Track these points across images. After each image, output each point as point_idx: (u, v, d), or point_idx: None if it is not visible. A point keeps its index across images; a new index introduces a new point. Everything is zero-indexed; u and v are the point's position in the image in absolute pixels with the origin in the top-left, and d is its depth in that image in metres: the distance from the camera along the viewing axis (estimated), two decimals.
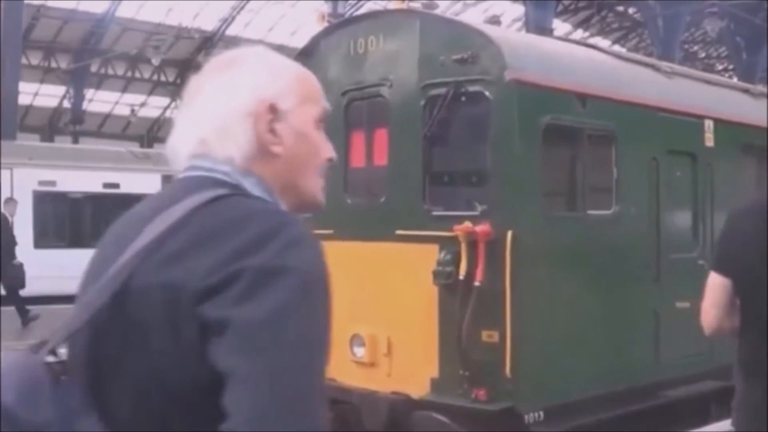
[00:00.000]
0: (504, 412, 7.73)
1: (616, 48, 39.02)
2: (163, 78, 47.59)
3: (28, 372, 1.71)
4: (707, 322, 4.15)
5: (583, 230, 8.75)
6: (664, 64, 11.28)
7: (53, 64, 43.16)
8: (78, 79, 43.44)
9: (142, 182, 24.45)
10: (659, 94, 9.89)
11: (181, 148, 1.97)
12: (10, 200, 18.87)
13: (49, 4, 39.24)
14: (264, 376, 1.59)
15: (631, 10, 47.60)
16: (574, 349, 8.47)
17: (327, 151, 2.03)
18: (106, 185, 23.98)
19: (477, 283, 7.74)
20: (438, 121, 8.40)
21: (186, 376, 1.70)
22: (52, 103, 46.04)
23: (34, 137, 40.87)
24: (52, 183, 22.90)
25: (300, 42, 15.94)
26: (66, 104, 45.00)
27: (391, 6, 10.79)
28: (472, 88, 8.21)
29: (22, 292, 18.06)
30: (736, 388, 4.21)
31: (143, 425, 1.77)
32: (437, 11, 11.07)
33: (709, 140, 10.40)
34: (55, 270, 19.47)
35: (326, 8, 25.50)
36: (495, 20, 17.16)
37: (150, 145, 45.78)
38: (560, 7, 41.99)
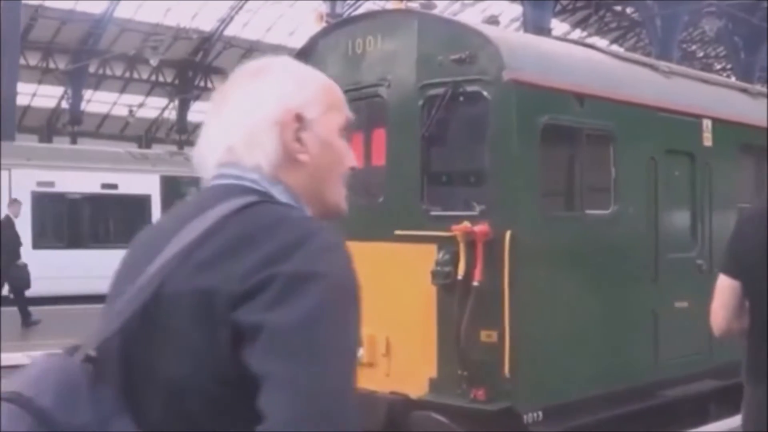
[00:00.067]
0: (503, 412, 7.72)
1: (614, 48, 39.02)
2: (161, 78, 47.59)
3: (65, 375, 1.75)
4: (716, 323, 4.21)
5: (581, 230, 8.75)
6: (663, 64, 11.29)
7: (51, 65, 43.15)
8: (76, 80, 43.41)
9: (141, 183, 24.51)
10: (657, 93, 9.89)
11: (209, 157, 2.00)
12: (14, 201, 18.88)
13: (47, 4, 39.22)
14: (298, 379, 1.62)
15: (629, 10, 47.65)
16: (573, 349, 8.47)
17: (350, 159, 2.06)
18: (105, 186, 23.98)
19: (475, 283, 7.74)
20: (436, 121, 8.40)
21: (219, 378, 1.73)
22: (51, 103, 46.04)
23: (32, 138, 40.87)
24: (51, 184, 22.90)
25: (298, 42, 15.97)
26: (64, 105, 44.97)
27: (389, 6, 10.79)
28: (470, 88, 8.21)
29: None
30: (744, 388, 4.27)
31: (175, 426, 1.80)
32: (435, 11, 11.08)
33: (708, 140, 10.40)
34: (53, 270, 19.51)
35: (324, 8, 25.49)
36: (493, 20, 17.19)
37: (148, 146, 45.81)
38: (558, 7, 42.00)
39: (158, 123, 50.18)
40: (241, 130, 1.95)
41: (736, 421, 8.91)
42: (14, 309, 17.69)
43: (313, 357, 1.64)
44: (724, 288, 4.19)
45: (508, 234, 7.72)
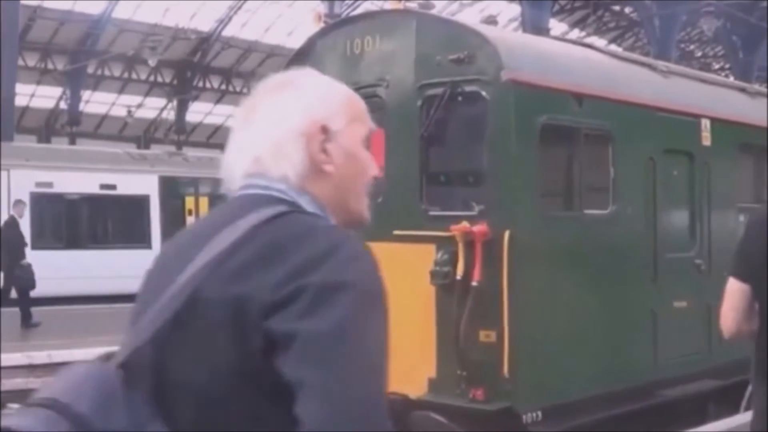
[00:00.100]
0: (502, 412, 7.73)
1: (613, 47, 39.03)
2: (159, 79, 47.53)
3: (101, 381, 1.80)
4: (726, 326, 4.27)
5: (580, 230, 8.75)
6: (661, 64, 11.29)
7: (50, 66, 43.11)
8: (75, 81, 43.35)
9: (139, 183, 24.50)
10: (656, 93, 9.89)
11: (237, 167, 2.04)
12: (19, 202, 18.89)
13: (46, 5, 39.20)
14: (332, 386, 1.68)
15: (627, 10, 47.65)
16: (572, 349, 8.47)
17: (373, 169, 2.11)
18: (103, 186, 23.97)
19: (474, 283, 7.74)
20: (435, 121, 8.40)
21: (250, 385, 1.77)
22: (49, 104, 46.00)
23: (31, 138, 40.83)
24: (49, 184, 22.89)
25: (296, 42, 15.95)
26: (63, 105, 44.89)
27: (388, 6, 10.79)
28: (468, 88, 8.21)
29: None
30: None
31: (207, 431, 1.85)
32: (433, 11, 11.08)
33: (706, 139, 10.41)
34: (52, 271, 19.50)
35: (323, 8, 25.48)
36: (491, 20, 17.19)
37: (147, 146, 45.79)
38: (556, 7, 41.99)
39: (157, 123, 50.13)
40: (268, 141, 2.00)
41: (735, 420, 8.93)
42: (14, 309, 17.67)
43: (345, 364, 1.70)
44: (734, 291, 4.23)
45: (506, 234, 7.72)
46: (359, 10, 32.66)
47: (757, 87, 13.72)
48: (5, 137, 23.39)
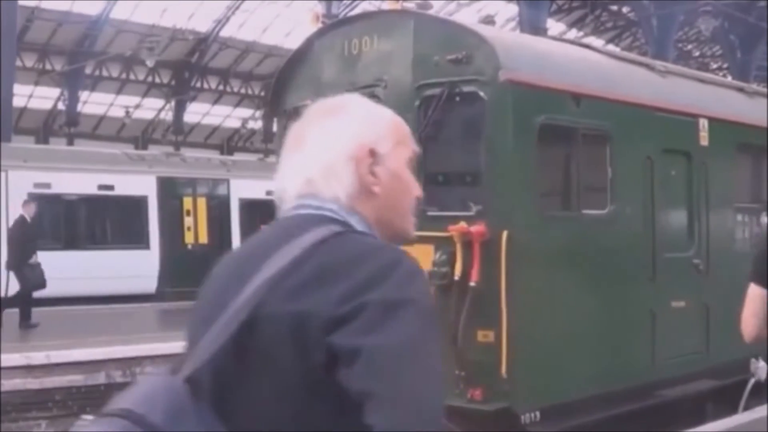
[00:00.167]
0: (500, 413, 7.73)
1: (610, 47, 39.03)
2: (157, 80, 47.45)
3: (171, 393, 1.90)
4: (747, 331, 4.36)
5: (578, 230, 8.76)
6: (659, 63, 11.30)
7: (48, 66, 43.02)
8: (72, 81, 43.29)
9: (137, 184, 24.47)
10: (654, 93, 9.90)
11: (289, 189, 2.14)
12: (28, 201, 18.87)
13: (44, 6, 39.15)
14: (401, 396, 1.79)
15: (625, 10, 47.61)
16: (570, 349, 8.47)
17: (417, 189, 2.22)
18: (101, 187, 23.94)
19: (472, 284, 7.74)
20: (432, 122, 8.40)
21: (313, 398, 1.88)
22: (47, 105, 45.92)
23: (28, 139, 40.77)
24: (47, 185, 22.85)
25: (294, 43, 15.95)
26: (61, 106, 44.82)
27: (385, 6, 10.79)
28: (466, 89, 8.22)
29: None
30: None
31: None
32: (431, 11, 11.08)
33: (704, 139, 10.41)
34: (50, 272, 19.42)
35: (320, 9, 25.48)
36: (489, 20, 17.17)
37: (145, 147, 45.70)
38: (554, 7, 41.98)
39: (155, 124, 50.05)
40: (319, 164, 2.10)
41: (734, 420, 8.93)
42: (13, 309, 17.65)
43: (410, 376, 1.81)
44: (755, 297, 4.32)
45: (504, 234, 7.72)
46: (357, 11, 32.65)
47: (755, 87, 13.73)
48: (3, 138, 23.33)
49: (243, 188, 26.04)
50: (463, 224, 7.84)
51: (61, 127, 44.74)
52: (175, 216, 25.39)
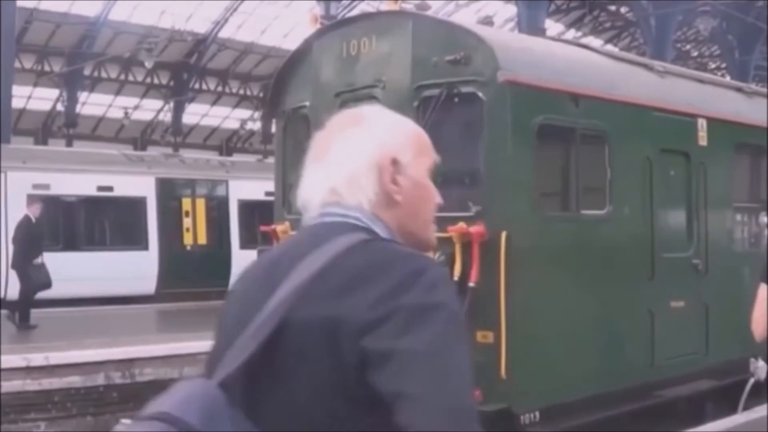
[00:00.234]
0: (499, 413, 7.72)
1: (609, 48, 39.05)
2: (156, 81, 47.46)
3: (207, 397, 1.96)
4: (758, 331, 4.43)
5: (577, 230, 8.76)
6: (657, 64, 11.30)
7: (46, 68, 43.01)
8: (71, 82, 43.29)
9: (136, 185, 24.44)
10: (652, 93, 9.90)
11: (314, 197, 2.19)
12: (34, 201, 18.84)
13: (42, 7, 39.14)
14: (434, 396, 1.85)
15: (623, 10, 47.67)
16: (570, 350, 8.48)
17: (437, 197, 2.32)
18: (100, 188, 23.92)
19: (472, 284, 7.74)
20: (431, 123, 8.39)
21: (346, 400, 1.92)
22: (46, 106, 45.93)
23: (27, 140, 40.78)
24: (46, 186, 22.81)
25: (293, 44, 15.96)
26: (59, 107, 44.83)
27: (384, 7, 10.80)
28: (465, 89, 8.22)
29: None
30: None
31: None
32: (429, 12, 11.08)
33: (703, 139, 10.41)
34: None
35: (319, 10, 25.48)
36: (487, 21, 17.17)
37: (143, 148, 45.69)
38: (552, 7, 42.00)
39: (153, 125, 50.05)
40: (343, 173, 2.16)
41: (733, 420, 8.94)
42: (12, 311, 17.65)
43: (443, 377, 1.87)
44: (766, 297, 4.33)
45: (503, 235, 7.72)
46: (355, 12, 32.66)
47: (753, 87, 13.73)
48: (2, 139, 23.33)
49: (242, 189, 26.00)
50: (462, 225, 7.84)
51: (60, 128, 44.76)
52: (174, 217, 25.36)
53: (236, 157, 40.59)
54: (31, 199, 19.25)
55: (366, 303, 1.90)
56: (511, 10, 39.00)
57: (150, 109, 49.28)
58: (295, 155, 10.40)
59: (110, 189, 24.05)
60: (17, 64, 33.58)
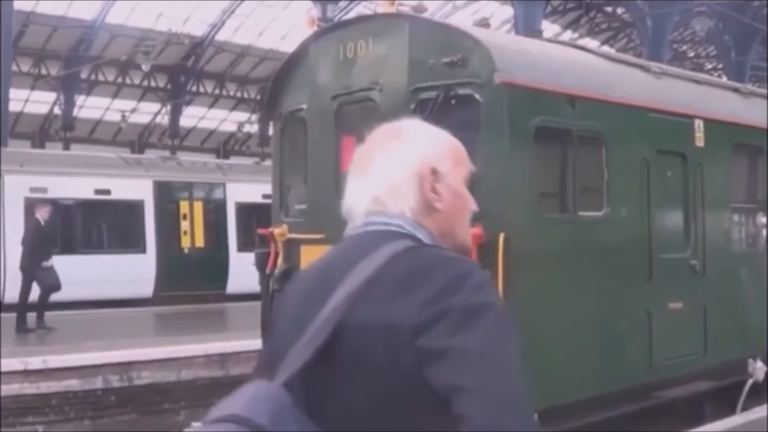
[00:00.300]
0: None
1: (605, 49, 39.08)
2: (153, 84, 47.45)
3: (273, 399, 2.05)
4: None
5: (574, 232, 8.76)
6: (654, 65, 11.30)
7: (43, 71, 43.00)
8: (68, 86, 43.28)
9: (134, 188, 24.43)
10: (649, 94, 9.90)
11: (358, 206, 2.31)
12: (43, 204, 18.87)
13: (39, 10, 39.12)
14: (492, 388, 1.95)
15: (619, 11, 47.70)
16: (568, 351, 8.47)
17: (473, 204, 2.49)
18: (98, 191, 23.91)
19: None
20: None
21: (405, 398, 2.02)
22: (43, 109, 45.91)
23: (25, 144, 40.74)
24: (44, 190, 22.81)
25: (290, 46, 15.96)
26: (57, 111, 44.81)
27: (380, 10, 10.80)
28: (462, 92, 8.22)
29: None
30: None
31: None
32: (426, 14, 11.08)
33: (699, 140, 10.41)
34: None
35: (316, 12, 25.49)
36: (484, 23, 17.18)
37: (141, 151, 45.70)
38: (549, 9, 42.03)
39: (151, 128, 50.04)
40: (386, 183, 2.28)
41: (732, 421, 8.95)
42: (10, 314, 17.64)
43: (497, 371, 1.97)
44: None
45: (501, 237, 7.72)
46: (352, 14, 32.68)
47: (750, 87, 13.73)
48: (0, 143, 23.36)
49: (239, 192, 26.00)
50: None
51: (57, 131, 44.71)
52: (172, 220, 25.35)
53: (233, 160, 40.59)
54: (40, 202, 19.28)
55: (417, 306, 2.01)
56: (508, 11, 39.04)
57: (147, 112, 49.29)
58: (292, 158, 10.42)
59: (108, 192, 24.04)
60: (14, 68, 33.57)
